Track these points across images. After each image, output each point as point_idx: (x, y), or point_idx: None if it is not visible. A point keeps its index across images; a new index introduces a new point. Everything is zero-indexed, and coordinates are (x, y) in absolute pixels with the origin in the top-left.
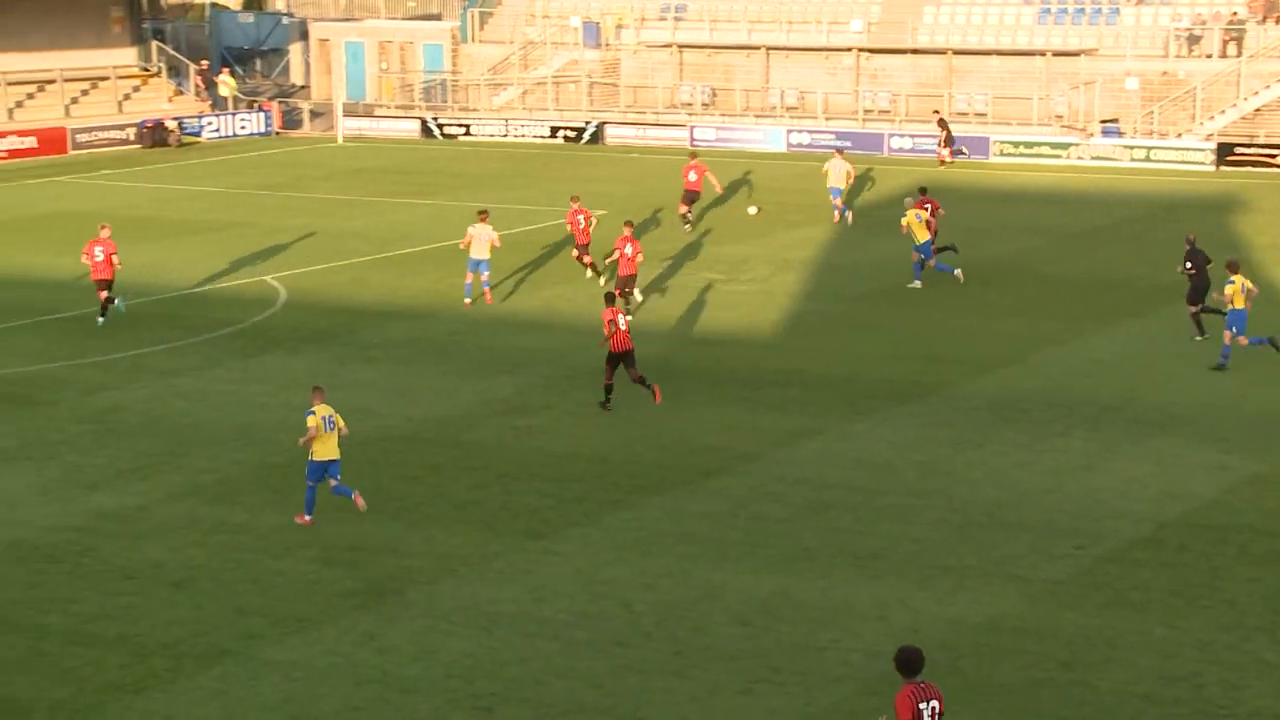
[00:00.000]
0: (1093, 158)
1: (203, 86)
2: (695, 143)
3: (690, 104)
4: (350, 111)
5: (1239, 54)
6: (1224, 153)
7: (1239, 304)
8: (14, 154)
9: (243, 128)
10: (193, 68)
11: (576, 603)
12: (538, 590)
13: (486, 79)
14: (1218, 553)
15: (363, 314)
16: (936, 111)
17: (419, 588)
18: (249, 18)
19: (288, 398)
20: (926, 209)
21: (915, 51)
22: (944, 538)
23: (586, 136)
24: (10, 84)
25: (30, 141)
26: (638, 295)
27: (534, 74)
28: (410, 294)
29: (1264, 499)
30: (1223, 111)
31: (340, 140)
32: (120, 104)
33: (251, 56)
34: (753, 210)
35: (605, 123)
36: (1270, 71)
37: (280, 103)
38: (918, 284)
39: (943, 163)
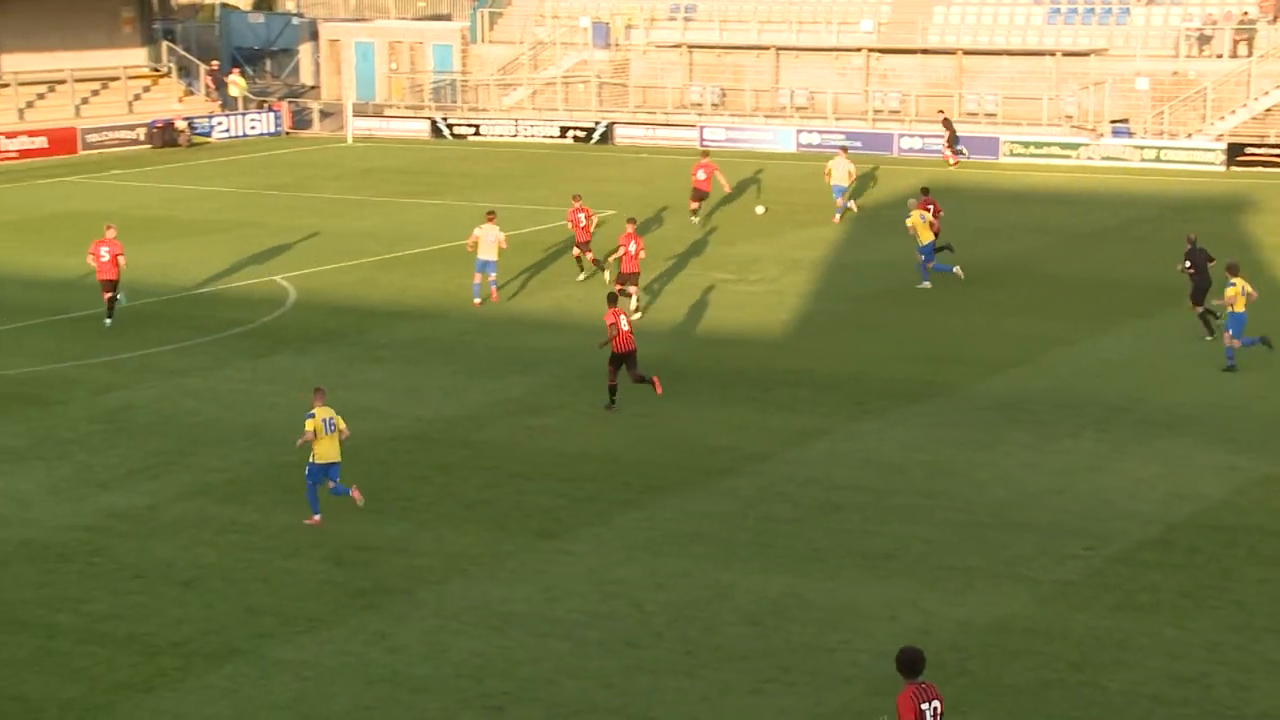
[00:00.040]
0: (1103, 158)
1: (213, 87)
2: (705, 143)
3: (700, 104)
4: (360, 112)
5: (1249, 54)
6: (1234, 153)
7: (1239, 307)
8: (24, 154)
9: (253, 128)
10: (203, 68)
11: (588, 602)
12: (549, 590)
13: (496, 79)
14: (1227, 554)
15: (372, 314)
16: (941, 111)
17: (429, 587)
18: (259, 18)
19: (297, 397)
20: (930, 209)
21: (925, 52)
22: (953, 538)
23: (596, 137)
24: (21, 84)
25: (41, 142)
26: (633, 302)
27: (543, 74)
28: (419, 294)
29: (1273, 500)
30: (1233, 112)
31: (350, 140)
32: (130, 104)
33: (261, 57)
34: (760, 210)
35: (615, 123)
36: None
37: (290, 103)
38: (927, 285)
39: (955, 163)
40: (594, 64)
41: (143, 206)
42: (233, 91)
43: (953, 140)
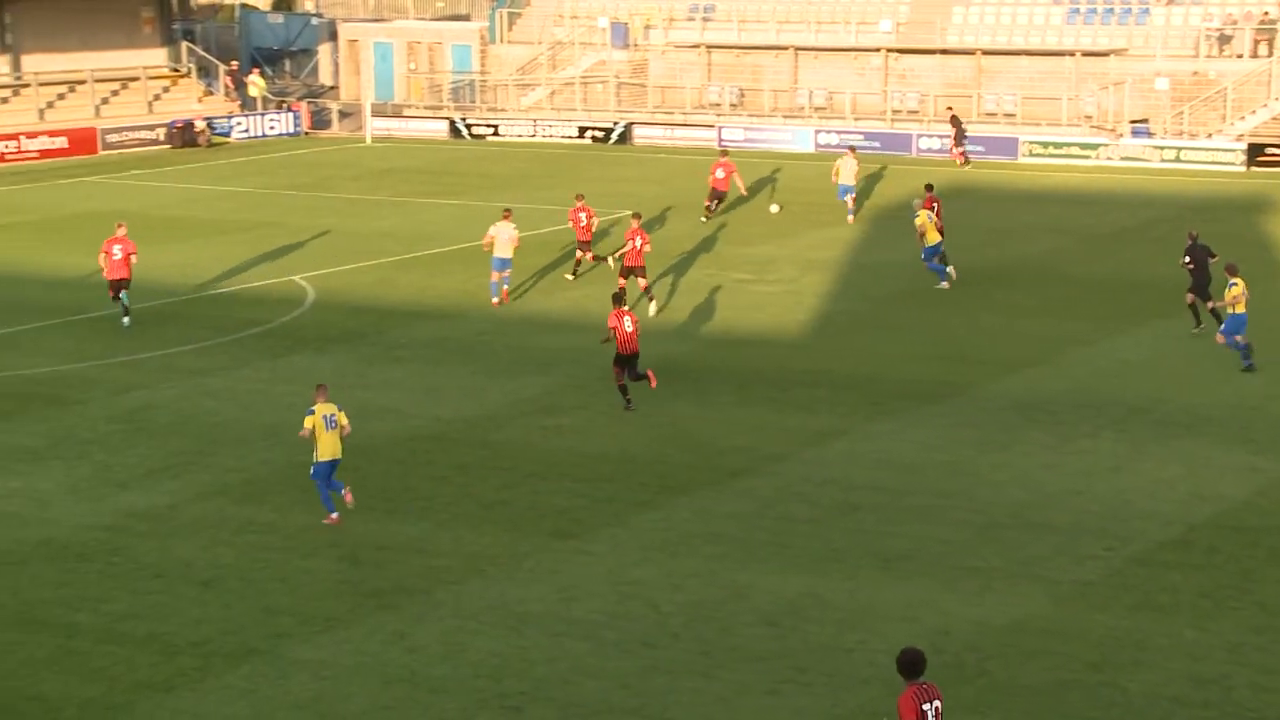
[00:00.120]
0: (1122, 158)
1: (232, 87)
2: (723, 143)
3: (718, 104)
4: (379, 112)
5: (1270, 54)
6: (1254, 153)
7: (1241, 308)
8: (45, 154)
9: (272, 128)
10: (222, 68)
11: (605, 603)
12: (566, 590)
13: (514, 79)
14: (1248, 555)
15: (391, 314)
16: (950, 108)
17: (447, 587)
18: (278, 18)
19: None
20: (933, 208)
21: (944, 52)
22: (970, 539)
23: (614, 137)
24: (41, 84)
25: (61, 142)
26: (651, 309)
27: (562, 74)
28: (438, 294)
29: None
30: (1253, 112)
31: (369, 140)
32: (150, 104)
33: (281, 57)
34: (775, 209)
35: (633, 123)
36: None
37: (309, 103)
38: (945, 284)
39: (966, 162)
40: (612, 64)
41: (162, 206)
42: (252, 92)
43: (960, 138)
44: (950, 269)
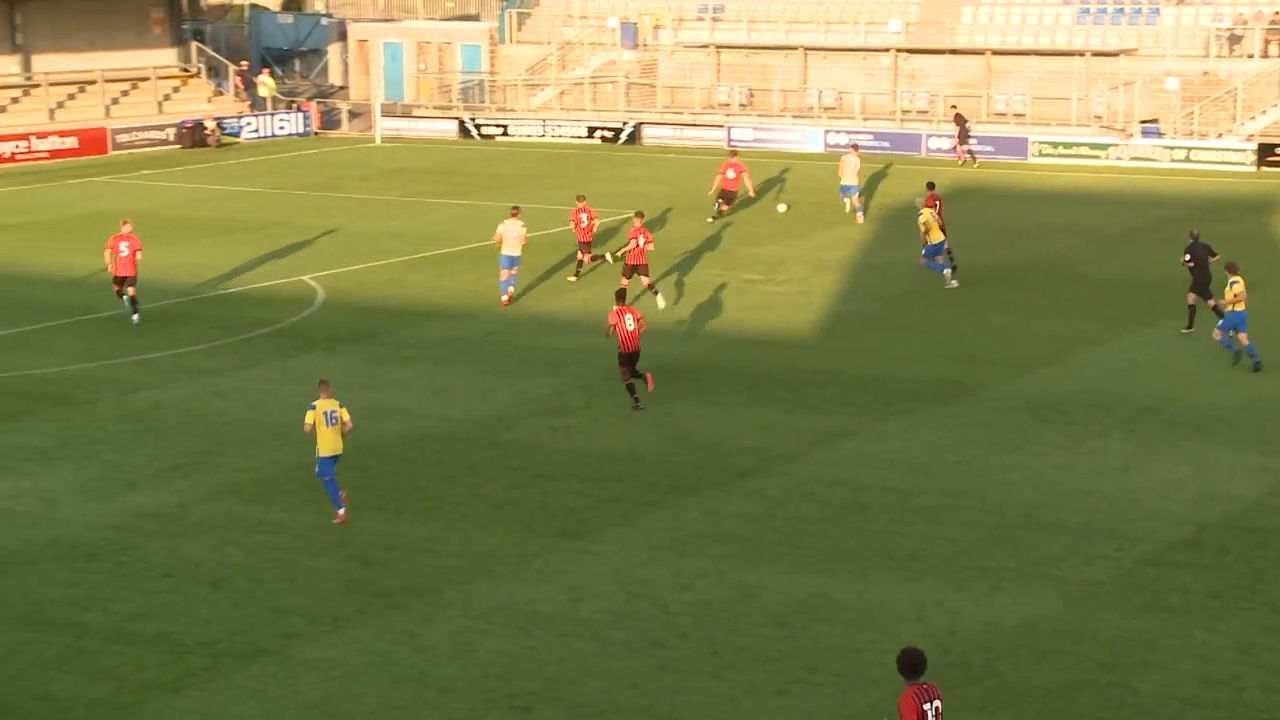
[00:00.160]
0: (1132, 158)
1: (242, 87)
2: (732, 143)
3: (728, 104)
4: (388, 112)
5: None
6: (1265, 153)
7: (1241, 306)
8: (55, 154)
9: (281, 128)
10: (232, 68)
11: (613, 603)
12: (575, 590)
13: (524, 79)
14: (1258, 555)
15: (400, 314)
16: (954, 107)
17: (456, 587)
18: (288, 18)
19: None
20: (935, 206)
21: (954, 52)
22: (981, 539)
23: (624, 137)
24: (52, 85)
25: (71, 142)
26: (660, 302)
27: (571, 74)
28: (447, 294)
29: None
30: (1264, 112)
31: (378, 140)
32: (160, 104)
33: (290, 57)
34: (782, 208)
35: (642, 123)
36: None
37: (319, 103)
38: (954, 284)
39: (974, 161)
40: (622, 64)
41: (172, 206)
42: (261, 92)
43: (964, 137)
44: (947, 272)
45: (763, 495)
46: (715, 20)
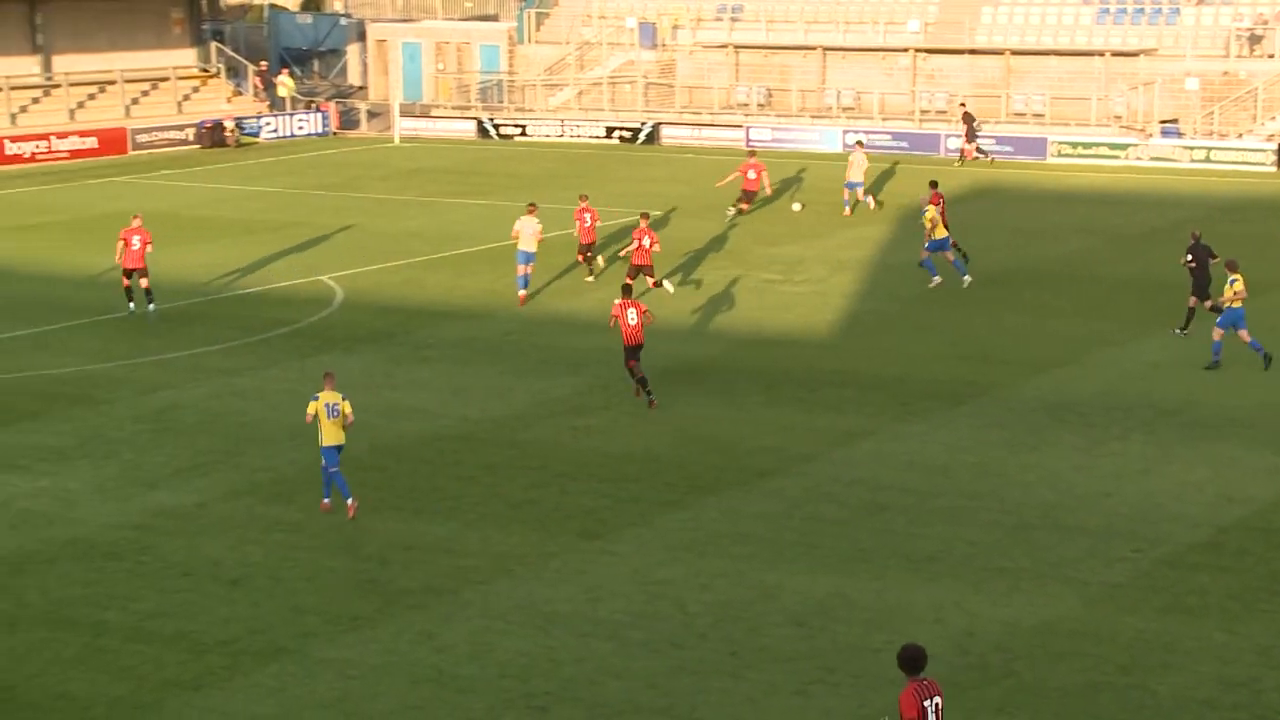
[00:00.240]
0: (1151, 158)
1: (261, 87)
2: (751, 143)
3: (746, 104)
4: (407, 112)
5: None
6: None
7: (1239, 303)
8: (75, 154)
9: (300, 128)
10: (251, 69)
11: (632, 603)
12: (593, 590)
13: (542, 79)
14: (1277, 557)
15: (418, 314)
16: (963, 105)
17: (474, 587)
18: (307, 19)
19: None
20: (939, 204)
21: (973, 52)
22: (999, 540)
23: (642, 137)
24: (72, 85)
25: (91, 142)
26: (668, 286)
27: (590, 74)
28: (466, 294)
29: None
30: None
31: (397, 140)
32: (180, 105)
33: (309, 57)
34: (797, 207)
35: (661, 123)
36: None
37: (337, 103)
38: (967, 279)
39: (984, 157)
40: (640, 64)
41: (191, 206)
42: (281, 92)
43: (971, 135)
44: (938, 278)
45: (781, 495)
46: (734, 20)
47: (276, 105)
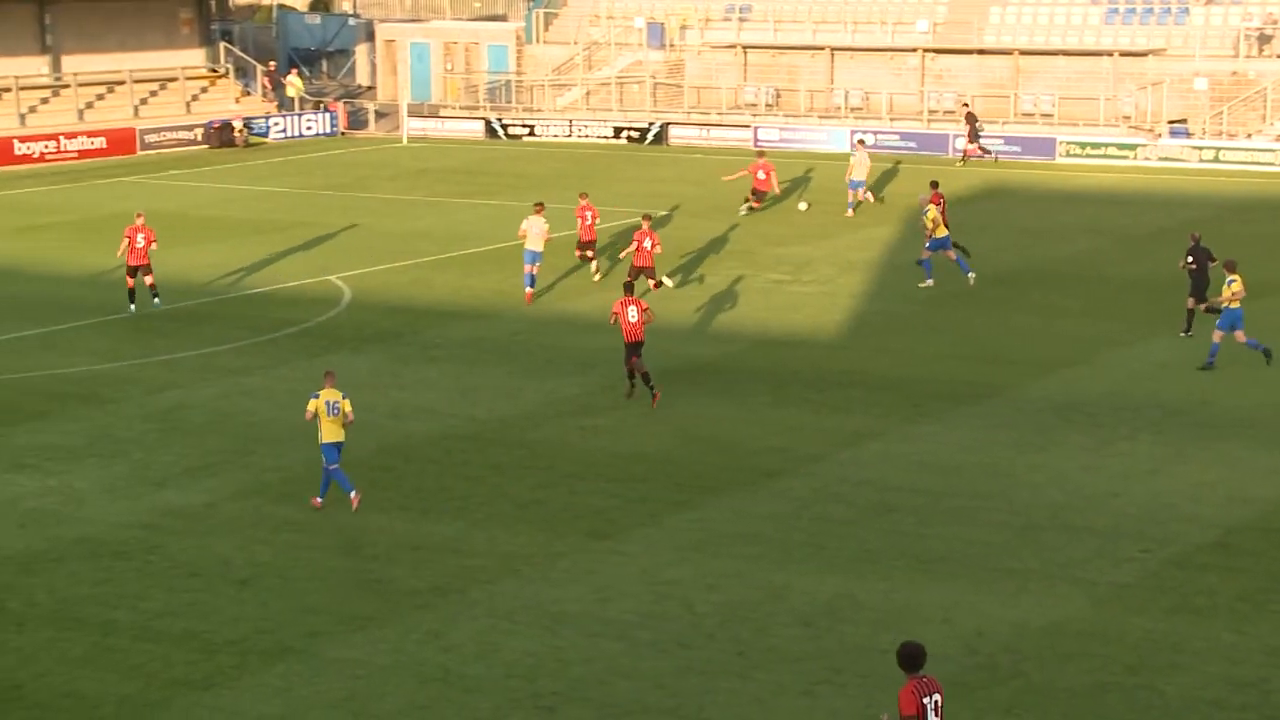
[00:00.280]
0: (1160, 159)
1: (269, 87)
2: (759, 143)
3: (754, 104)
4: (415, 112)
5: None
6: None
7: (1236, 304)
8: (84, 154)
9: (308, 128)
10: (260, 69)
11: (640, 603)
12: (601, 590)
13: (551, 80)
14: None
15: (426, 314)
16: (966, 105)
17: (482, 587)
18: (315, 19)
19: (352, 397)
20: (939, 204)
21: (981, 52)
22: (1007, 540)
23: (650, 137)
24: (81, 85)
25: (100, 142)
26: (668, 282)
27: (598, 75)
28: (474, 294)
29: None
30: None
31: (405, 141)
32: (188, 105)
33: (318, 57)
34: (803, 206)
35: (669, 123)
36: None
37: (346, 103)
38: (972, 275)
39: (988, 156)
40: (648, 64)
41: (199, 206)
42: (289, 92)
43: (973, 136)
44: (930, 280)
45: (789, 496)
46: (742, 20)
47: (285, 105)
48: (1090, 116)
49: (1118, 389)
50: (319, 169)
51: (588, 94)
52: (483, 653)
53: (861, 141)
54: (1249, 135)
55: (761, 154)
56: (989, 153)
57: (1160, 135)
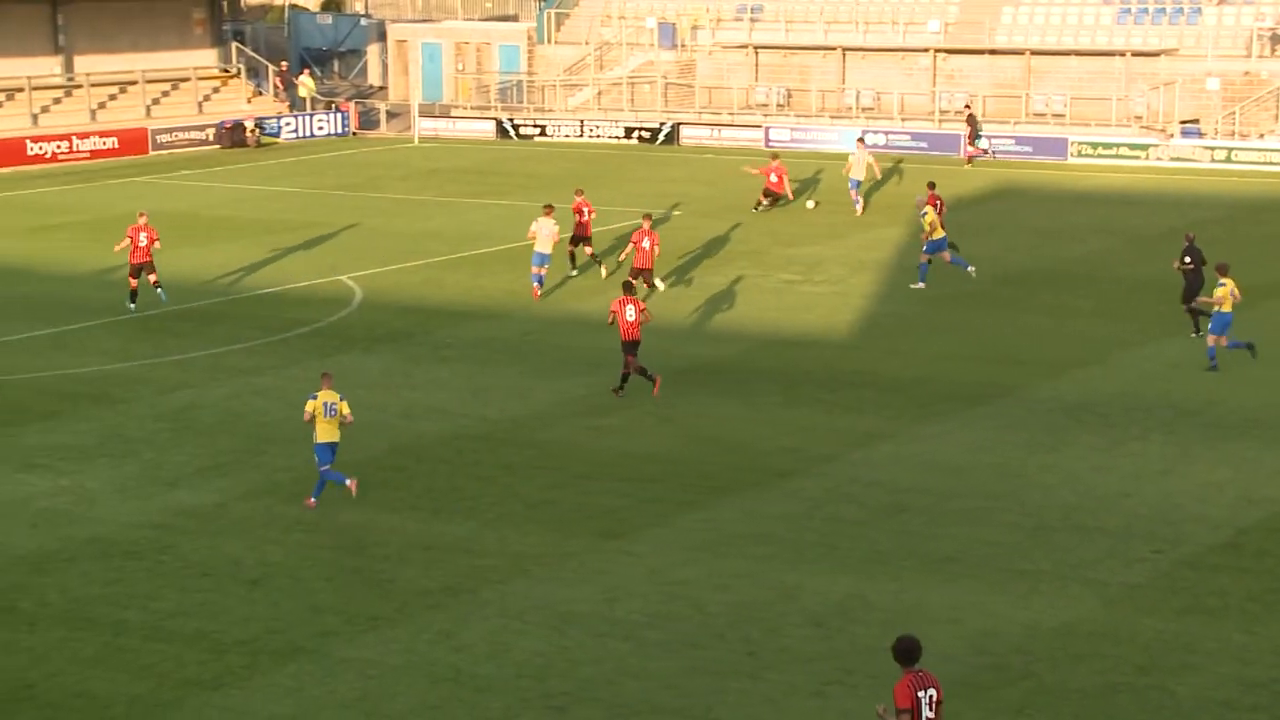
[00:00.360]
0: (1172, 159)
1: (281, 87)
2: (770, 143)
3: (765, 105)
4: (426, 112)
5: None
6: None
7: (1227, 307)
8: (96, 154)
9: (320, 128)
10: (272, 69)
11: (650, 603)
12: (611, 590)
13: (562, 80)
14: None
15: (438, 314)
16: (968, 106)
17: (493, 587)
18: (327, 19)
19: (363, 397)
20: (937, 205)
21: (993, 52)
22: (1018, 541)
23: (661, 137)
24: (93, 85)
25: (112, 142)
26: (660, 285)
27: (609, 75)
28: (485, 294)
29: None
30: None
31: (416, 141)
32: (200, 105)
33: (329, 57)
34: (811, 205)
35: (680, 123)
36: None
37: (357, 103)
38: (971, 270)
39: (986, 155)
40: (660, 65)
41: (211, 206)
42: (301, 92)
43: (974, 137)
44: (922, 283)
45: (800, 496)
46: (753, 20)
47: (296, 105)
48: (1102, 117)
49: (1129, 389)
50: (330, 169)
51: (599, 94)
52: (494, 653)
53: (861, 139)
54: (1261, 135)
55: (775, 156)
56: (986, 151)
57: (1172, 135)
